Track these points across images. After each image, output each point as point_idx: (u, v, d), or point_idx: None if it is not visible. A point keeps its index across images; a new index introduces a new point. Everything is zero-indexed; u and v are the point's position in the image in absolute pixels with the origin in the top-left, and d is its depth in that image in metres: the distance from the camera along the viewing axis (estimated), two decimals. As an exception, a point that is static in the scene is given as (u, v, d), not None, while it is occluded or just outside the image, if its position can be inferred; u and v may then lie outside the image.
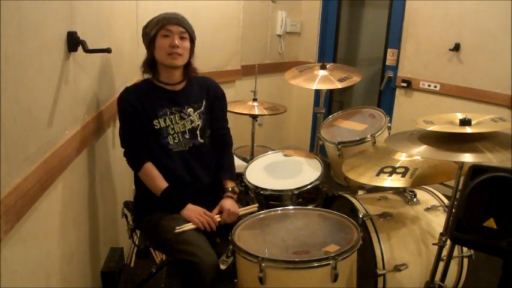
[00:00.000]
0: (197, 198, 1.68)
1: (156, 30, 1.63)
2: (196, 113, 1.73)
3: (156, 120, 1.66)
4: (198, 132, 1.73)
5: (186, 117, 1.71)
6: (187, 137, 1.71)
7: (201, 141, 1.74)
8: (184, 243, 1.50)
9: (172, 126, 1.68)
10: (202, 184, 1.73)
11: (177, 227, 1.54)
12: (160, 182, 1.63)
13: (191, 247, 1.48)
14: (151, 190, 1.65)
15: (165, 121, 1.67)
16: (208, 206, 1.68)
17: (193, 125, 1.72)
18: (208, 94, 1.79)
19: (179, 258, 1.50)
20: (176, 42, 1.62)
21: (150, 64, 1.71)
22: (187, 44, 1.67)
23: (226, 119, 1.89)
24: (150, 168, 1.64)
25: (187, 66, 1.73)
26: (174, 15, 1.65)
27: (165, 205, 1.64)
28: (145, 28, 1.70)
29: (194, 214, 1.59)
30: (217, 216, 1.64)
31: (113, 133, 2.06)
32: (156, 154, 1.66)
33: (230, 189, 1.74)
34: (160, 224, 1.61)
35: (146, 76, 1.76)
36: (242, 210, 1.70)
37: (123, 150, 1.72)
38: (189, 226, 1.56)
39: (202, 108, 1.76)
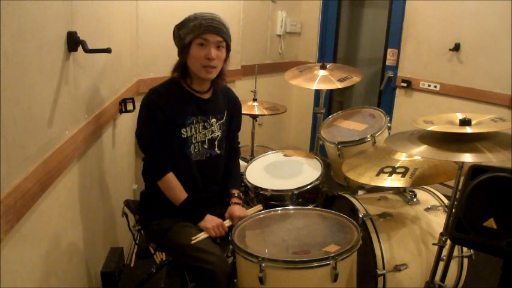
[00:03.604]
0: (209, 204, 1.68)
1: (192, 38, 1.52)
2: (218, 124, 1.69)
3: (184, 129, 1.60)
4: (216, 143, 1.70)
5: (208, 127, 1.66)
6: (206, 147, 1.67)
7: (218, 152, 1.70)
8: (199, 251, 1.49)
9: (195, 136, 1.63)
10: (212, 192, 1.72)
11: (193, 238, 1.53)
12: (180, 193, 1.60)
13: (206, 255, 1.47)
14: (168, 198, 1.61)
15: (190, 130, 1.61)
16: (219, 212, 1.68)
17: (213, 135, 1.68)
18: (229, 106, 1.76)
19: (194, 265, 1.49)
20: (213, 54, 1.52)
21: (182, 68, 1.60)
22: (223, 53, 1.58)
23: (240, 129, 1.88)
24: (171, 178, 1.59)
25: (219, 75, 1.63)
26: (211, 22, 1.53)
27: (183, 215, 1.62)
28: (178, 29, 1.57)
29: (211, 226, 1.58)
30: (228, 221, 1.65)
31: (113, 133, 2.06)
32: (176, 162, 1.61)
33: (236, 194, 1.74)
34: (173, 229, 1.59)
35: (172, 75, 1.65)
36: (250, 211, 1.70)
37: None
38: (203, 236, 1.55)
39: (224, 119, 1.72)
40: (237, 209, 1.68)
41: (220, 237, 1.59)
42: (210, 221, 1.60)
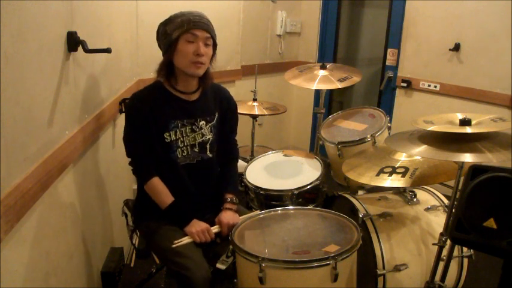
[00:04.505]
0: (200, 209, 1.65)
1: (180, 33, 1.47)
2: (208, 126, 1.64)
3: (167, 133, 1.56)
4: (208, 146, 1.64)
5: (197, 130, 1.61)
6: (196, 150, 1.62)
7: (210, 155, 1.65)
8: (178, 255, 1.46)
9: (182, 139, 1.58)
10: (206, 196, 1.68)
11: (175, 241, 1.49)
12: (166, 197, 1.57)
13: (184, 260, 1.44)
14: (155, 202, 1.59)
15: (175, 134, 1.57)
16: (210, 218, 1.65)
17: (203, 138, 1.63)
18: (221, 106, 1.69)
19: (172, 269, 1.48)
20: (202, 50, 1.49)
21: (167, 68, 1.56)
22: (210, 50, 1.55)
23: (236, 131, 1.82)
24: (156, 182, 1.57)
25: (205, 74, 1.59)
26: (199, 18, 1.49)
27: (169, 219, 1.59)
28: (164, 26, 1.53)
29: (196, 230, 1.53)
30: (216, 227, 1.60)
31: (112, 133, 2.06)
32: (162, 167, 1.58)
33: (229, 199, 1.67)
34: (158, 232, 1.57)
35: (156, 77, 1.60)
36: (243, 218, 1.62)
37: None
38: (187, 240, 1.52)
39: (214, 121, 1.66)
40: (226, 216, 1.61)
41: (205, 242, 1.54)
42: (196, 225, 1.55)
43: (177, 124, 1.58)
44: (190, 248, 1.50)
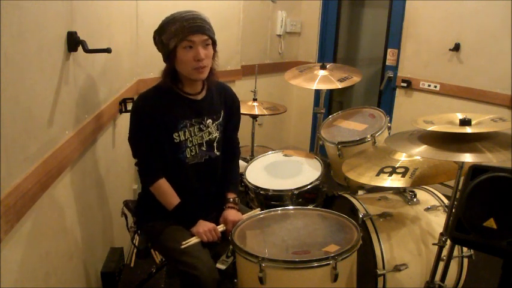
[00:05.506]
0: (205, 208, 1.66)
1: (176, 42, 1.46)
2: (214, 125, 1.64)
3: (176, 134, 1.55)
4: (215, 144, 1.65)
5: (204, 128, 1.62)
6: (204, 149, 1.62)
7: (217, 153, 1.67)
8: (186, 255, 1.47)
9: (190, 139, 1.59)
10: (210, 195, 1.69)
11: (183, 242, 1.49)
12: (172, 198, 1.57)
13: (193, 259, 1.44)
14: (161, 203, 1.60)
15: (184, 134, 1.57)
16: (214, 216, 1.66)
17: (210, 136, 1.63)
18: (226, 104, 1.70)
19: (180, 269, 1.47)
20: (201, 55, 1.47)
21: (171, 74, 1.55)
22: (210, 51, 1.53)
23: (238, 129, 1.83)
24: (162, 184, 1.57)
25: (209, 73, 1.58)
26: (193, 21, 1.46)
27: (175, 219, 1.59)
28: (159, 35, 1.50)
29: (203, 230, 1.54)
30: (221, 226, 1.61)
31: (113, 133, 2.06)
32: (170, 167, 1.58)
33: (232, 200, 1.70)
34: (165, 232, 1.57)
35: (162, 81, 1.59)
36: (245, 216, 1.64)
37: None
38: (194, 240, 1.52)
39: (221, 119, 1.67)
40: (231, 213, 1.63)
41: (212, 242, 1.55)
42: (202, 225, 1.55)
43: (186, 124, 1.58)
44: (197, 248, 1.51)
